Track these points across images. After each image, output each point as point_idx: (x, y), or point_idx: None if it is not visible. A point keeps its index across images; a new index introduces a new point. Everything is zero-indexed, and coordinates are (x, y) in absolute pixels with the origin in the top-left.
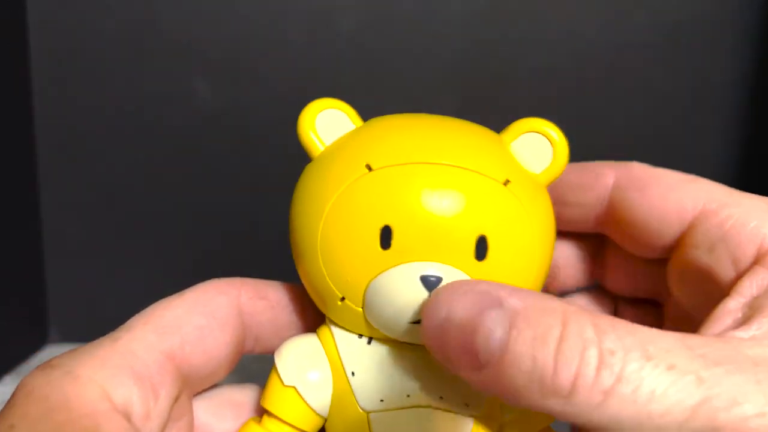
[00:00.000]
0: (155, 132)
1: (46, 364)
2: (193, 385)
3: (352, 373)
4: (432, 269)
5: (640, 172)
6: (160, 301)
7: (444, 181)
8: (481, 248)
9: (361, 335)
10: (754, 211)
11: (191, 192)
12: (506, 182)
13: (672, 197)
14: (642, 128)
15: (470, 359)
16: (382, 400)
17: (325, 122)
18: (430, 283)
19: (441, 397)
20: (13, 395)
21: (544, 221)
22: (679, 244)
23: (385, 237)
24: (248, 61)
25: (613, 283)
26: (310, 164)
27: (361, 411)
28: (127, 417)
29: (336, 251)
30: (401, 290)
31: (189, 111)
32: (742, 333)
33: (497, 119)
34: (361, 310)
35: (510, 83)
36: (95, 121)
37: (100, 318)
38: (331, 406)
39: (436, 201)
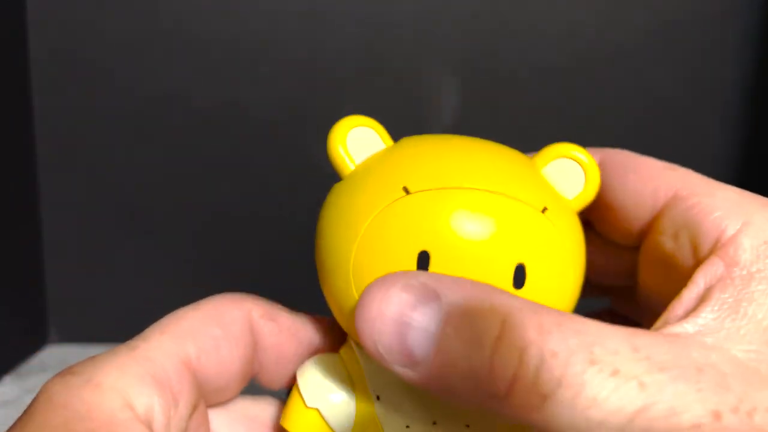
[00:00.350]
0: (155, 132)
1: (66, 371)
2: (207, 397)
3: (378, 398)
4: None
5: (623, 157)
6: (174, 312)
7: (483, 207)
8: (519, 276)
9: None
10: (722, 201)
11: (191, 192)
12: (544, 210)
13: (649, 183)
14: (642, 128)
15: (403, 356)
16: (408, 427)
17: (356, 140)
18: None
19: (467, 426)
20: (33, 402)
21: (578, 248)
22: (649, 229)
23: (423, 262)
24: (248, 62)
25: (589, 271)
26: (341, 183)
27: None
28: (149, 425)
29: (370, 273)
30: None
31: (189, 111)
32: (690, 326)
33: (497, 119)
34: None
35: (510, 83)
36: (95, 121)
37: (99, 318)
38: (354, 428)
39: (475, 227)
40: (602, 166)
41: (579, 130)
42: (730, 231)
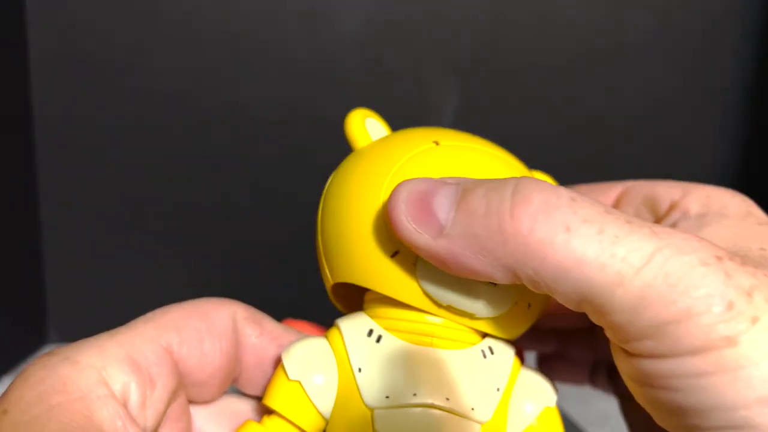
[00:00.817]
0: (155, 132)
1: (47, 353)
2: (189, 389)
3: (359, 369)
4: None
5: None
6: (161, 307)
7: (497, 162)
8: None
9: (371, 332)
10: (662, 185)
11: (191, 192)
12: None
13: (599, 186)
14: (642, 128)
15: (429, 222)
16: (387, 397)
17: (369, 126)
18: None
19: (447, 399)
20: (12, 382)
21: None
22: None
23: None
24: (248, 62)
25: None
26: (358, 151)
27: (365, 407)
28: (124, 403)
29: None
30: None
31: (189, 111)
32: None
33: (497, 119)
34: (415, 267)
35: (510, 83)
36: (95, 121)
37: (99, 318)
38: (335, 407)
39: (494, 175)
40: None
41: (579, 129)
42: (677, 197)
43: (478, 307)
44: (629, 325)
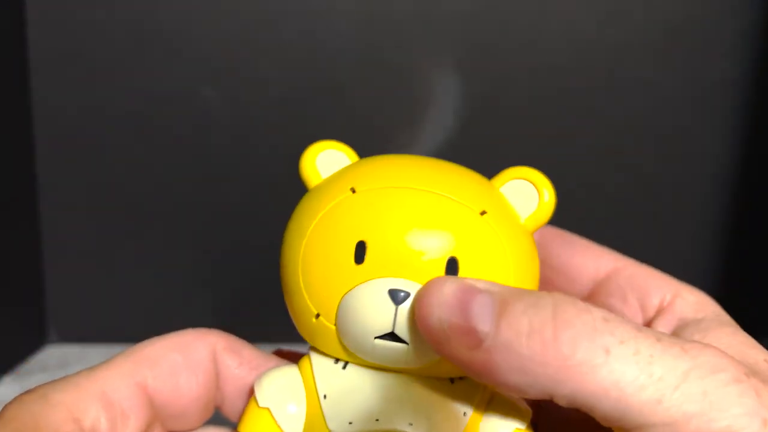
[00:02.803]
0: (155, 132)
1: (26, 391)
2: (166, 421)
3: (324, 396)
4: (402, 284)
5: (565, 235)
6: (143, 341)
7: (420, 203)
8: (452, 269)
9: (337, 360)
10: (651, 273)
11: (191, 192)
12: (483, 213)
13: (592, 257)
14: (642, 128)
15: (468, 331)
16: (351, 423)
17: (325, 161)
18: (398, 297)
19: (411, 424)
20: None
21: (524, 259)
22: (594, 293)
23: (360, 252)
24: (248, 62)
25: None
26: (305, 195)
27: None
28: None
29: (315, 266)
30: (370, 303)
31: (189, 111)
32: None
33: (498, 119)
34: (334, 327)
35: (511, 83)
36: (95, 121)
37: (99, 318)
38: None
39: (410, 220)
40: (545, 241)
41: (579, 129)
42: (668, 297)
43: (408, 361)
44: None
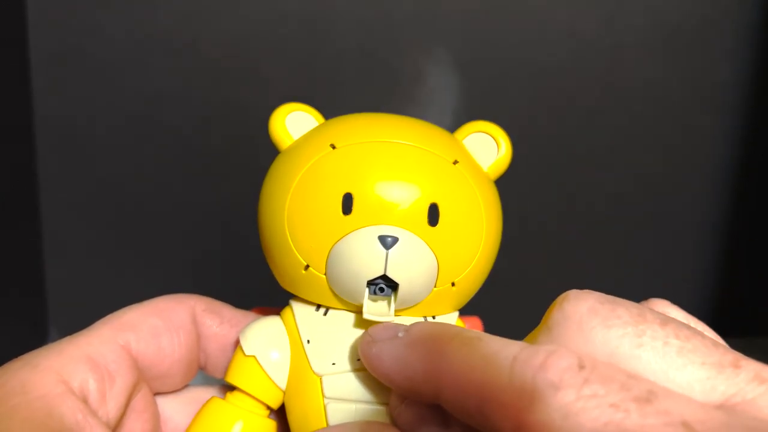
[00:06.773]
0: (155, 132)
1: (11, 360)
2: (152, 382)
3: (308, 341)
4: (389, 230)
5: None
6: (122, 308)
7: (400, 155)
8: (433, 215)
9: (318, 307)
10: None
11: (191, 192)
12: (455, 162)
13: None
14: (642, 128)
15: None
16: (334, 364)
17: (294, 122)
18: (387, 242)
19: None
20: None
21: (491, 200)
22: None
23: (347, 203)
24: (248, 62)
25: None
26: (279, 155)
27: (314, 375)
28: (84, 399)
29: (302, 220)
30: (361, 250)
31: (189, 111)
32: None
33: (498, 119)
34: (324, 277)
35: (511, 83)
36: (95, 120)
37: (99, 317)
38: (289, 378)
39: (392, 171)
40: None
41: (579, 129)
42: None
43: (393, 308)
44: None
